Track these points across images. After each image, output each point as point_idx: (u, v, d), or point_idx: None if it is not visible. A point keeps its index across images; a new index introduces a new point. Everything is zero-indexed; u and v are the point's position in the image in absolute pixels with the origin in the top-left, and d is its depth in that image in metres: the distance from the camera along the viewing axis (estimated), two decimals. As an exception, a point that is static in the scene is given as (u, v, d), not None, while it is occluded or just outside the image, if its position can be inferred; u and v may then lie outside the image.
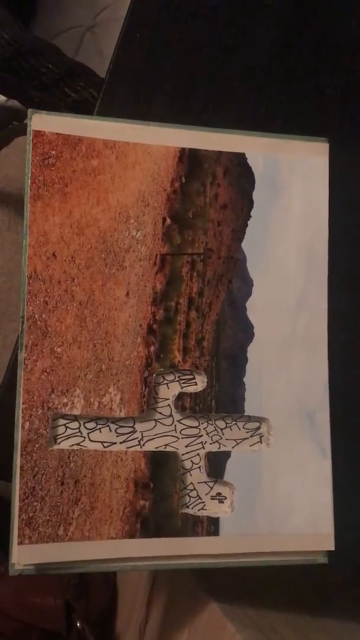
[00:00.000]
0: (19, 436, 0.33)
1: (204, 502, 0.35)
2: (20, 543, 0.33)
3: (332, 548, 0.36)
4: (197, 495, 0.35)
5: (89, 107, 0.48)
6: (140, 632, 0.49)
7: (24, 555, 0.33)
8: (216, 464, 0.36)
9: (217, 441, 0.36)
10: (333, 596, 0.45)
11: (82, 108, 0.47)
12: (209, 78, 0.42)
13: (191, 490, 0.35)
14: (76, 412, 0.34)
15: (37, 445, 0.33)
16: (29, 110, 0.35)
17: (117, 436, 0.35)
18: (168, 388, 0.36)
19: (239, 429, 0.36)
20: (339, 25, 0.43)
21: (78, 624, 0.58)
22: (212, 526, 0.35)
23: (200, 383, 0.36)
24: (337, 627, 0.42)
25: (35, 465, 0.33)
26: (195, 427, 0.36)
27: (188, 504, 0.35)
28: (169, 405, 0.36)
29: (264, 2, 0.43)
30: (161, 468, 0.35)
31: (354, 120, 0.42)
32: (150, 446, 0.35)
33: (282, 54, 0.43)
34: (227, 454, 0.36)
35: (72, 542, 0.33)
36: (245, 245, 0.37)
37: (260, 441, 0.36)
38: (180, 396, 0.36)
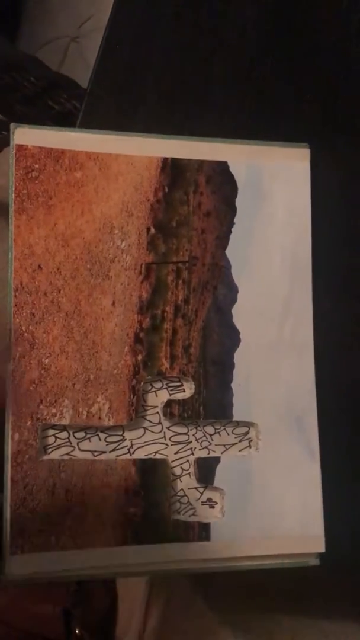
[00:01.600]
0: (9, 447, 0.34)
1: (194, 508, 0.35)
2: (13, 553, 0.33)
3: (323, 550, 0.36)
4: (188, 502, 0.36)
5: (73, 119, 0.48)
6: (139, 638, 0.49)
7: (17, 566, 0.33)
8: (206, 470, 0.36)
9: (206, 447, 0.36)
10: (329, 598, 0.45)
11: (65, 120, 0.48)
12: (190, 87, 0.43)
13: (182, 497, 0.36)
14: (65, 422, 0.35)
15: (27, 456, 0.34)
16: (12, 125, 0.36)
17: (106, 445, 0.35)
18: (156, 396, 0.36)
19: (228, 435, 0.37)
20: (317, 32, 0.44)
21: (77, 631, 0.58)
22: (203, 532, 0.35)
23: (188, 390, 0.36)
24: (334, 629, 0.42)
25: (25, 476, 0.34)
26: (184, 434, 0.36)
27: (179, 510, 0.35)
28: (157, 412, 0.36)
29: (243, 12, 0.43)
30: (151, 475, 0.35)
31: (334, 125, 0.42)
32: (140, 454, 0.35)
33: (262, 61, 0.43)
34: (216, 460, 0.36)
35: (65, 550, 0.33)
36: (229, 252, 0.38)
37: (249, 446, 0.37)
38: (169, 403, 0.36)
